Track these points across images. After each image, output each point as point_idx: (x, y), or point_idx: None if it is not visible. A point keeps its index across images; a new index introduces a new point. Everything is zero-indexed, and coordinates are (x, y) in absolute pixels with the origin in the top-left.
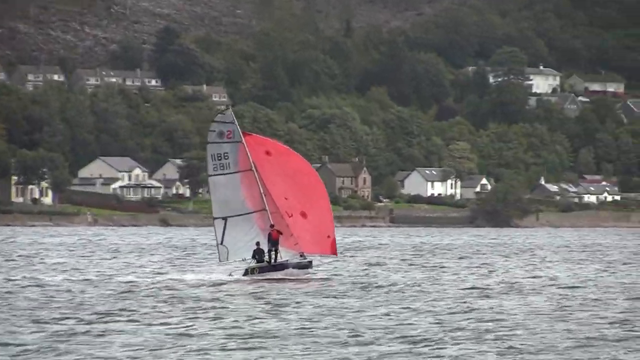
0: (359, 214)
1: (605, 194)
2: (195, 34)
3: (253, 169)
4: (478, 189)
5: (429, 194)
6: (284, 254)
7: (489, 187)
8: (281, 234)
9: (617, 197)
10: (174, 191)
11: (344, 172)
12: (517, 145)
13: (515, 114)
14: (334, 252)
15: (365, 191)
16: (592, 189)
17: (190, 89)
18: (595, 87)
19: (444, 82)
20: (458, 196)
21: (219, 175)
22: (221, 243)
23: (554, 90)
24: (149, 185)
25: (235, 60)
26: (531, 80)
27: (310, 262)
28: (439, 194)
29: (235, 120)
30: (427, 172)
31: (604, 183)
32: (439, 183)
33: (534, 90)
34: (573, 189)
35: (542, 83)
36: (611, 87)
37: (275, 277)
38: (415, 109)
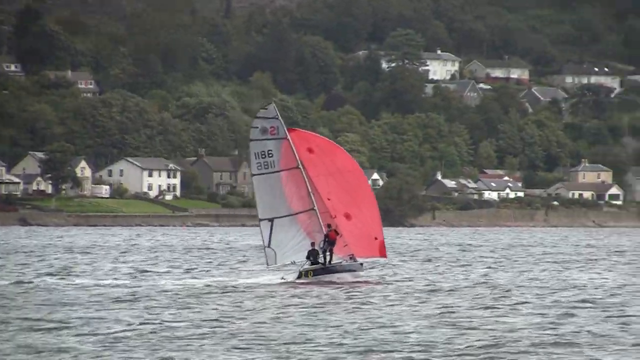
0: (238, 212)
1: (508, 191)
2: (59, 15)
3: (300, 166)
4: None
5: None
6: (334, 257)
7: (381, 182)
8: (338, 234)
9: (521, 194)
10: (35, 187)
11: (222, 167)
12: (412, 137)
13: (411, 103)
14: (383, 254)
15: (245, 187)
16: (493, 184)
17: (54, 75)
18: (498, 73)
19: (333, 68)
20: None
21: (263, 174)
22: (268, 246)
23: (453, 76)
24: (7, 181)
25: (104, 44)
26: (428, 65)
27: (362, 264)
28: None
29: (279, 115)
30: None
31: (506, 178)
32: None
33: (430, 77)
34: (472, 185)
35: (440, 69)
36: (515, 74)
37: (329, 279)
38: (301, 97)
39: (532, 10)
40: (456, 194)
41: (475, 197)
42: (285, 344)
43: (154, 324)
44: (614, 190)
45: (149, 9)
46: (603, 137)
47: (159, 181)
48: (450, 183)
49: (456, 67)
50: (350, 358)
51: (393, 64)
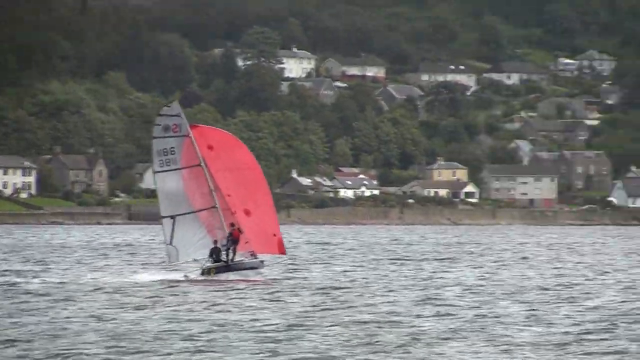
0: (94, 210)
1: (363, 189)
2: None
3: (202, 164)
4: None
5: None
6: (237, 254)
7: None
8: (242, 232)
9: (376, 192)
10: None
11: (77, 165)
12: (267, 135)
13: (266, 101)
14: (282, 251)
15: (100, 185)
16: (348, 182)
17: None
18: (354, 71)
19: (189, 66)
20: None
21: (165, 171)
22: (170, 243)
23: (309, 74)
24: None
25: None
26: (284, 63)
27: (263, 261)
28: None
29: (182, 113)
30: None
31: (361, 176)
32: None
33: (286, 75)
34: (328, 183)
35: (295, 67)
36: (371, 72)
37: (232, 277)
38: (156, 95)
39: (388, 8)
40: (312, 192)
41: (331, 195)
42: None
43: None
44: (470, 188)
45: (4, 5)
46: (458, 135)
47: (14, 179)
48: (305, 181)
49: (312, 65)
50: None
51: (249, 62)
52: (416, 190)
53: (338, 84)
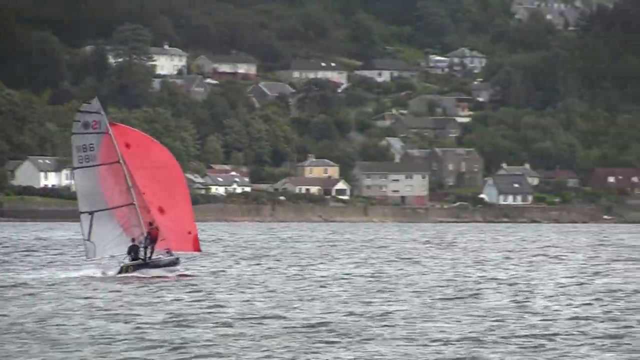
0: None
1: (235, 186)
2: None
3: (120, 161)
4: None
5: (42, 185)
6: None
7: None
8: (159, 231)
9: (248, 189)
10: None
11: None
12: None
13: (138, 98)
14: (196, 248)
15: None
16: (220, 179)
17: None
18: (225, 68)
19: (60, 63)
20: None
21: (84, 167)
22: (88, 239)
23: (180, 71)
24: None
25: None
26: (155, 60)
27: (178, 259)
28: (54, 185)
29: (102, 110)
30: (41, 161)
31: (233, 173)
32: (54, 173)
33: (158, 72)
34: (199, 180)
35: (167, 64)
36: (242, 69)
37: (149, 275)
38: (27, 92)
39: (259, 5)
40: None
41: (203, 192)
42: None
43: None
44: (341, 185)
45: None
46: (330, 132)
47: None
48: None
49: (183, 62)
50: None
51: (120, 59)
52: (288, 187)
53: (209, 81)
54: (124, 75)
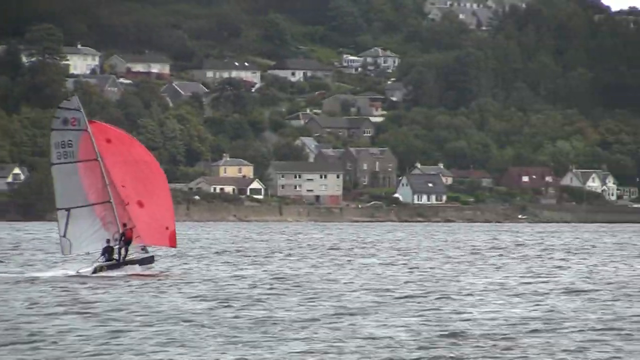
0: None
1: None
2: None
3: (99, 158)
4: (10, 179)
5: None
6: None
7: (23, 177)
8: (136, 235)
9: None
10: None
11: None
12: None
13: (51, 98)
14: (172, 244)
15: None
16: None
17: None
18: (139, 67)
19: None
20: None
21: (62, 164)
22: (64, 235)
23: (93, 71)
24: None
25: None
26: (68, 60)
27: (153, 257)
28: None
29: (81, 107)
30: None
31: None
32: None
33: (71, 72)
34: None
35: (80, 63)
36: (155, 68)
37: (122, 273)
38: None
39: (171, 5)
40: None
41: None
42: None
43: None
44: (255, 184)
45: None
46: (244, 131)
47: None
48: None
49: (96, 61)
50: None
51: (33, 59)
52: (202, 187)
53: (123, 80)
54: (37, 74)
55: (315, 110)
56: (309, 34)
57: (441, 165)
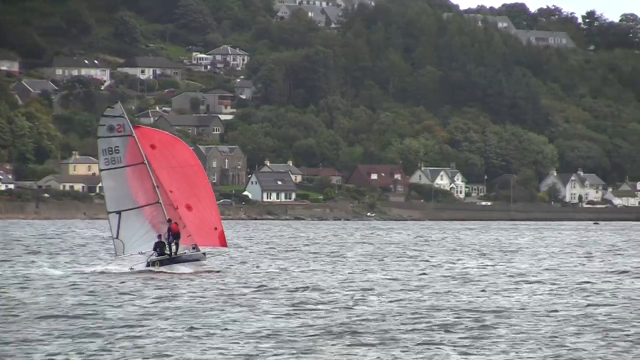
0: None
1: None
2: None
3: (145, 162)
4: None
5: None
6: (180, 247)
7: None
8: (184, 226)
9: (12, 186)
10: None
11: None
12: None
13: None
14: (223, 243)
15: None
16: None
17: None
18: None
19: None
20: None
21: (110, 169)
22: (116, 237)
23: None
24: None
25: None
26: None
27: (204, 253)
28: None
29: (125, 114)
30: None
31: None
32: None
33: None
34: None
35: None
36: (4, 65)
37: (175, 269)
38: None
39: (21, 2)
40: None
41: None
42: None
43: None
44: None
45: None
46: (94, 129)
47: None
48: None
49: None
50: None
51: None
52: (52, 185)
53: None
54: None
55: (164, 108)
56: (158, 32)
57: (290, 163)
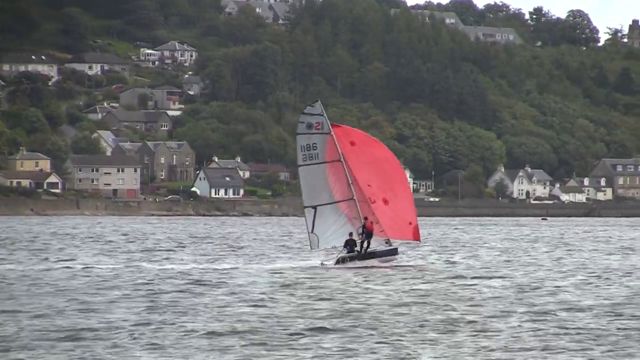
0: None
1: None
2: None
3: (342, 159)
4: None
5: None
6: (372, 242)
7: None
8: (377, 223)
9: None
10: None
11: None
12: None
13: None
14: (416, 238)
15: None
16: None
17: None
18: None
19: None
20: None
21: (308, 165)
22: (312, 231)
23: None
24: None
25: None
26: None
27: (396, 249)
28: None
29: (325, 113)
30: None
31: None
32: None
33: None
34: None
35: None
36: None
37: (365, 265)
38: None
39: None
40: None
41: None
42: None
43: None
44: (52, 178)
45: None
46: (41, 125)
47: None
48: None
49: None
50: None
51: None
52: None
53: None
54: None
55: (112, 104)
56: (106, 28)
57: (238, 159)
